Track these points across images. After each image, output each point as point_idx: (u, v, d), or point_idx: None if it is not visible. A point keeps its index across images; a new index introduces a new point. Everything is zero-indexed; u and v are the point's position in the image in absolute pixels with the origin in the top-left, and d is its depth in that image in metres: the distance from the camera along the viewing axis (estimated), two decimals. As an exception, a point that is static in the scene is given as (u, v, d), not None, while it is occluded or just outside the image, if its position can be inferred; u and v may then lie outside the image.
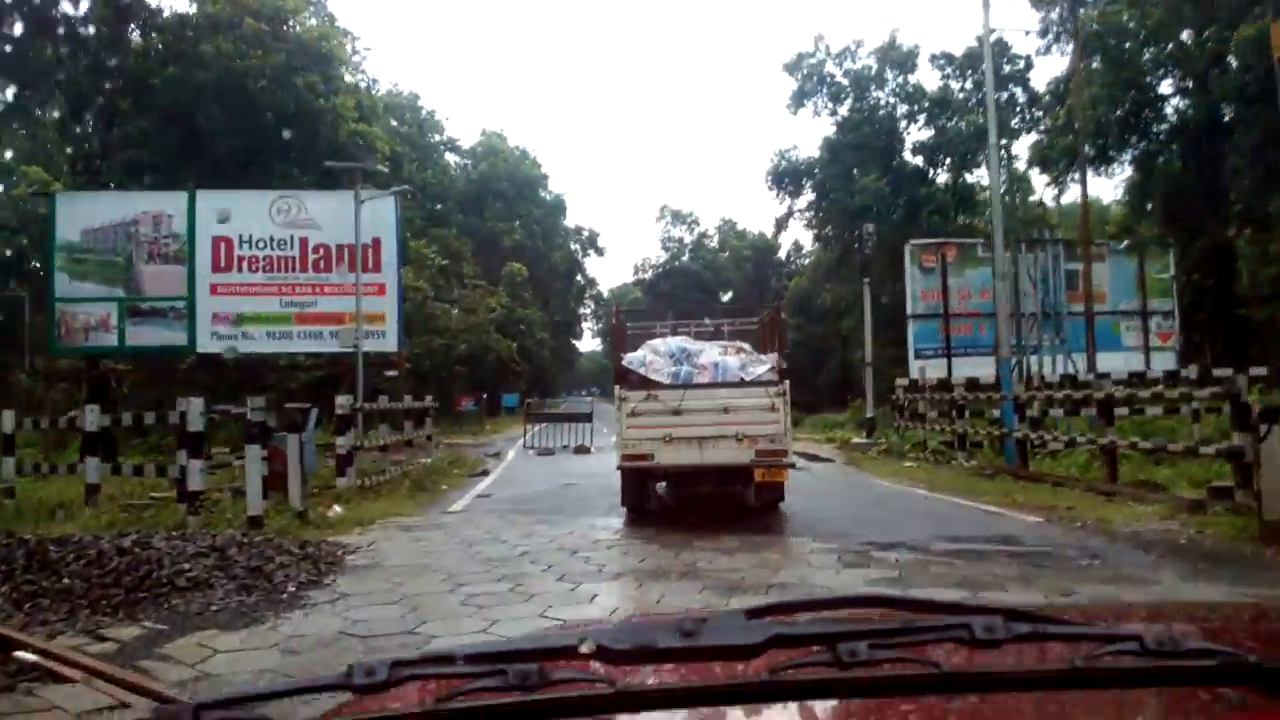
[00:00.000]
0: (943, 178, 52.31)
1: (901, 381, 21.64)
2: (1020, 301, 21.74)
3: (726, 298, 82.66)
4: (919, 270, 22.43)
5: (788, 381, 11.13)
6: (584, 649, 0.86)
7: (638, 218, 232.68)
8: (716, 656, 0.90)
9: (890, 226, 48.91)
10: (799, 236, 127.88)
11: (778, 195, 51.84)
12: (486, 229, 65.14)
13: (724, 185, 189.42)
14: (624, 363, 11.75)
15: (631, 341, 12.95)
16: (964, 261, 22.62)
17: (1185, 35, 34.87)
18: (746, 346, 12.79)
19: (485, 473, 19.31)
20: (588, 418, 25.96)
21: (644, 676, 1.01)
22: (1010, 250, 16.87)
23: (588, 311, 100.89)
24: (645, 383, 11.23)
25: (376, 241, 20.16)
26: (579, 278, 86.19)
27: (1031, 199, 61.52)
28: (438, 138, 66.24)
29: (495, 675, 0.84)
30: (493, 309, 45.91)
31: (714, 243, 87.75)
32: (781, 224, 52.72)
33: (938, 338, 22.36)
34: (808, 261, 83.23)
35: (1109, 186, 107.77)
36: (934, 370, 21.75)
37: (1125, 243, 23.18)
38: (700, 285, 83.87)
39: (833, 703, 0.96)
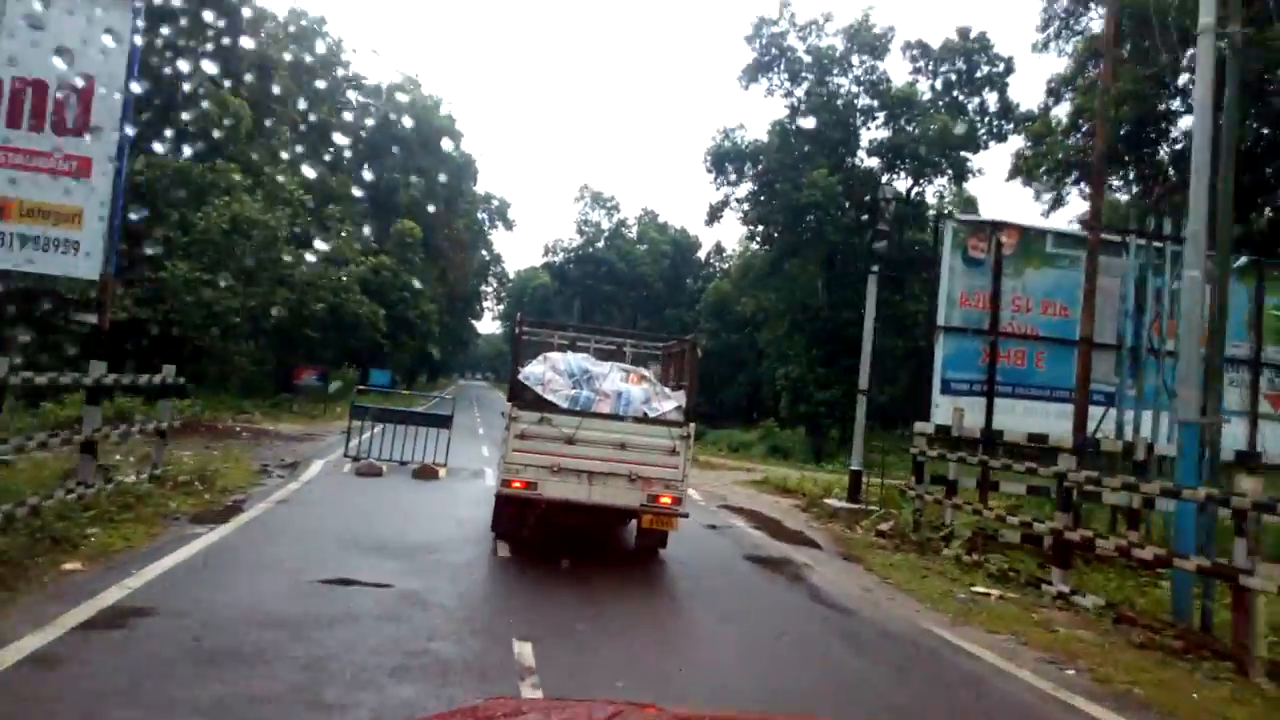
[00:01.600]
0: (898, 186, 45.28)
1: (924, 427, 13.63)
2: (1126, 327, 14.04)
3: (641, 294, 74.53)
4: (962, 260, 14.43)
5: (694, 425, 9.86)
6: None
7: (554, 196, 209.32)
8: None
9: (838, 231, 41.55)
10: (729, 235, 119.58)
11: (715, 179, 43.81)
12: (381, 181, 55.48)
13: (650, 172, 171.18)
14: (520, 377, 10.07)
15: (529, 349, 11.18)
16: (1024, 256, 14.77)
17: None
18: (650, 375, 11.05)
19: (233, 508, 10.62)
20: (445, 423, 17.34)
21: None
22: (1220, 250, 8.95)
23: (490, 290, 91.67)
24: (540, 403, 9.68)
25: (88, 83, 11.04)
26: (483, 252, 76.83)
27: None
28: (341, 72, 56.29)
29: None
30: (361, 264, 36.12)
31: (633, 232, 79.45)
32: (716, 212, 44.46)
33: (976, 365, 14.46)
34: (729, 265, 75.81)
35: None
36: (969, 415, 13.89)
37: (1242, 259, 15.63)
38: (613, 276, 75.48)
39: None
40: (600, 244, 77.87)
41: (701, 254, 79.75)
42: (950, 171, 43.92)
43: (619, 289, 75.57)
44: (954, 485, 12.85)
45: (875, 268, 18.64)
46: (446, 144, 61.70)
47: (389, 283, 50.11)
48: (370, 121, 56.99)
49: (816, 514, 15.51)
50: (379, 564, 8.51)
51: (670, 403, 10.08)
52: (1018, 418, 13.98)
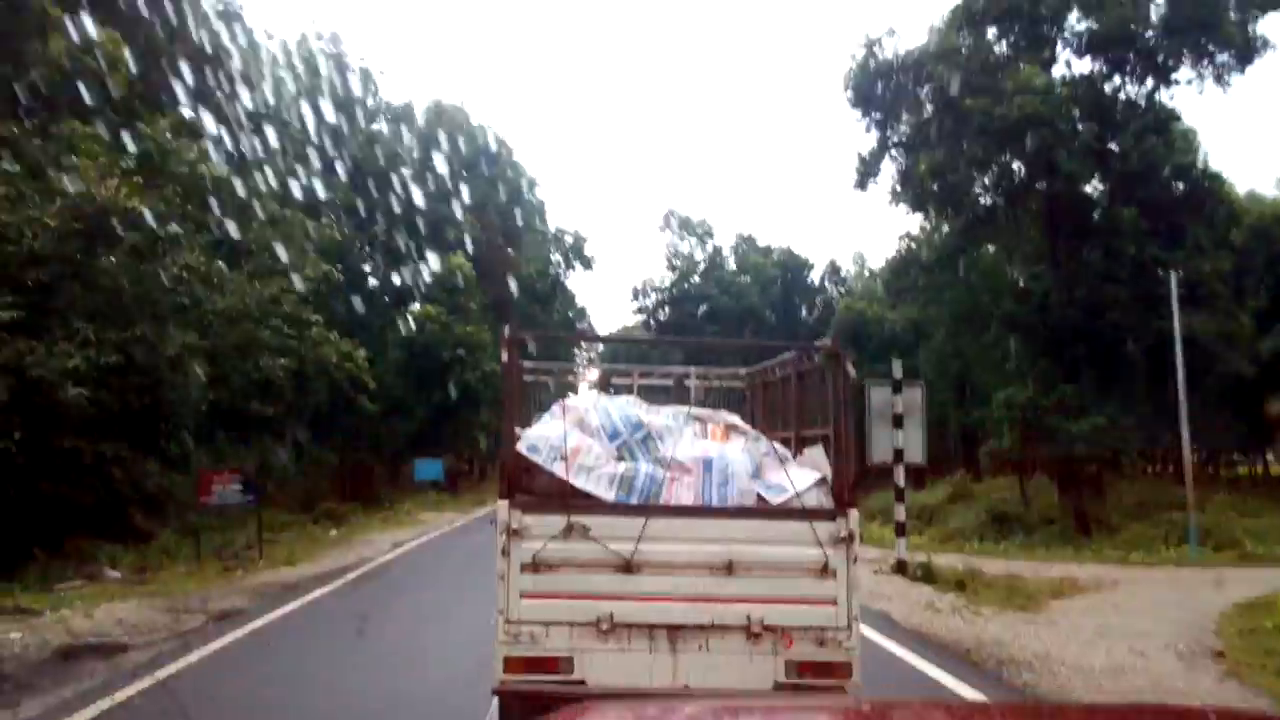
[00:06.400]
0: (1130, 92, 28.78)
1: None
2: None
3: (750, 330, 58.95)
4: None
5: (855, 514, 4.99)
6: None
7: (637, 230, 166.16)
8: None
9: (1073, 157, 25.38)
10: (878, 211, 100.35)
11: (864, 115, 28.18)
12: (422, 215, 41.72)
13: (742, 192, 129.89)
14: (522, 447, 5.10)
15: (535, 395, 6.95)
16: None
17: None
18: (742, 424, 5.97)
19: None
20: None
21: None
22: None
23: (579, 353, 77.16)
24: (564, 495, 4.94)
25: None
26: (563, 309, 62.38)
27: None
28: (371, 102, 43.00)
29: None
30: (309, 278, 19.21)
31: (730, 263, 64.35)
32: (869, 166, 28.58)
33: None
34: (860, 277, 59.99)
35: None
36: None
37: None
38: (716, 314, 60.33)
39: None
40: (695, 279, 62.97)
41: (815, 276, 64.27)
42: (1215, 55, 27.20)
43: (724, 328, 60.25)
44: None
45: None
46: (498, 165, 47.74)
47: (436, 338, 36.08)
48: (400, 142, 43.24)
49: None
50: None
51: (806, 474, 5.22)
52: None
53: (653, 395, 7.27)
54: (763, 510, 5.05)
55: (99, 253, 15.50)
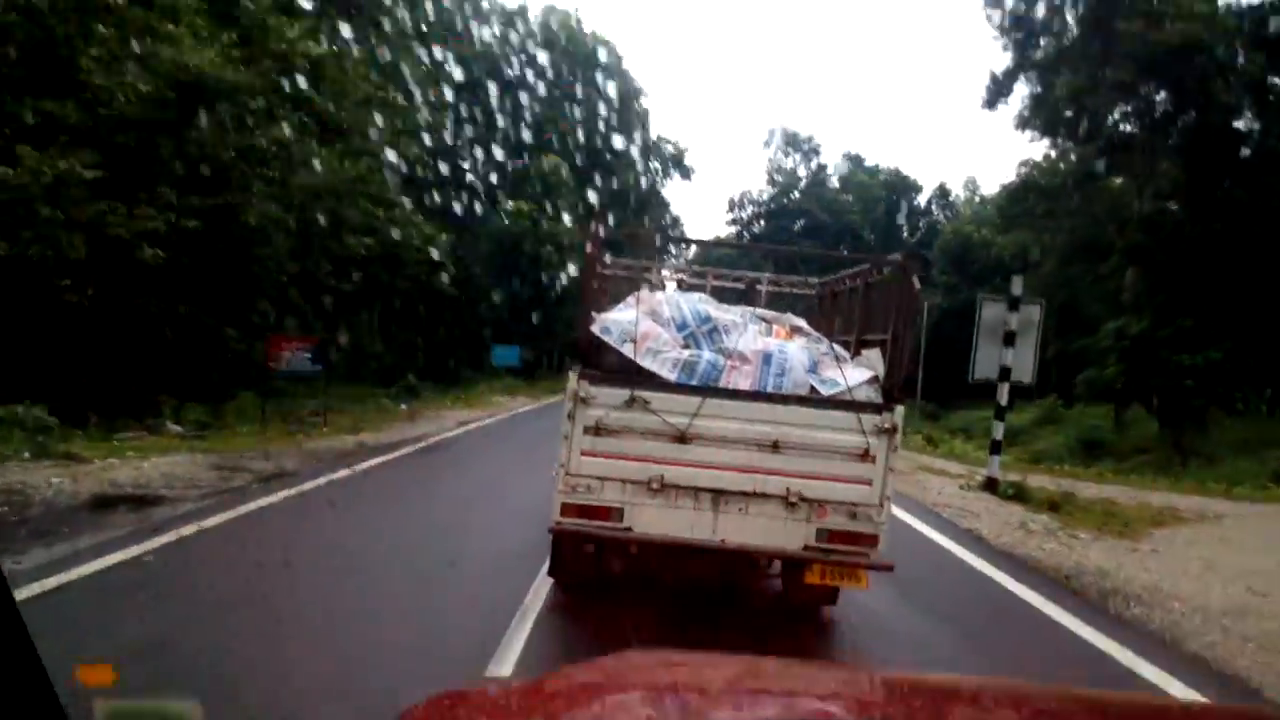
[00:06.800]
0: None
1: None
2: None
3: (849, 248, 56.71)
4: None
5: (901, 409, 5.27)
6: None
7: (739, 144, 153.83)
8: None
9: (1230, 89, 22.80)
10: (1002, 139, 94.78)
11: (1002, 34, 25.90)
12: (521, 118, 40.91)
13: (850, 109, 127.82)
14: (595, 329, 5.52)
15: (613, 289, 7.12)
16: None
17: None
18: (806, 327, 6.37)
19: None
20: None
21: None
22: None
23: (671, 259, 76.00)
24: (628, 373, 5.30)
25: None
26: (663, 211, 61.04)
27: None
28: (485, 3, 41.89)
29: None
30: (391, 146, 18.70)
31: (834, 181, 61.71)
32: (1001, 86, 26.48)
33: None
34: (971, 200, 56.98)
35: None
36: None
37: None
38: (814, 230, 58.18)
39: None
40: (796, 194, 60.63)
41: (922, 198, 61.25)
42: None
43: (821, 245, 58.21)
44: None
45: None
46: (602, 72, 46.28)
47: (526, 233, 35.69)
48: (508, 43, 42.17)
49: None
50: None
51: (859, 372, 5.53)
52: None
53: (726, 296, 7.69)
54: (813, 399, 5.28)
55: (189, 121, 15.25)
